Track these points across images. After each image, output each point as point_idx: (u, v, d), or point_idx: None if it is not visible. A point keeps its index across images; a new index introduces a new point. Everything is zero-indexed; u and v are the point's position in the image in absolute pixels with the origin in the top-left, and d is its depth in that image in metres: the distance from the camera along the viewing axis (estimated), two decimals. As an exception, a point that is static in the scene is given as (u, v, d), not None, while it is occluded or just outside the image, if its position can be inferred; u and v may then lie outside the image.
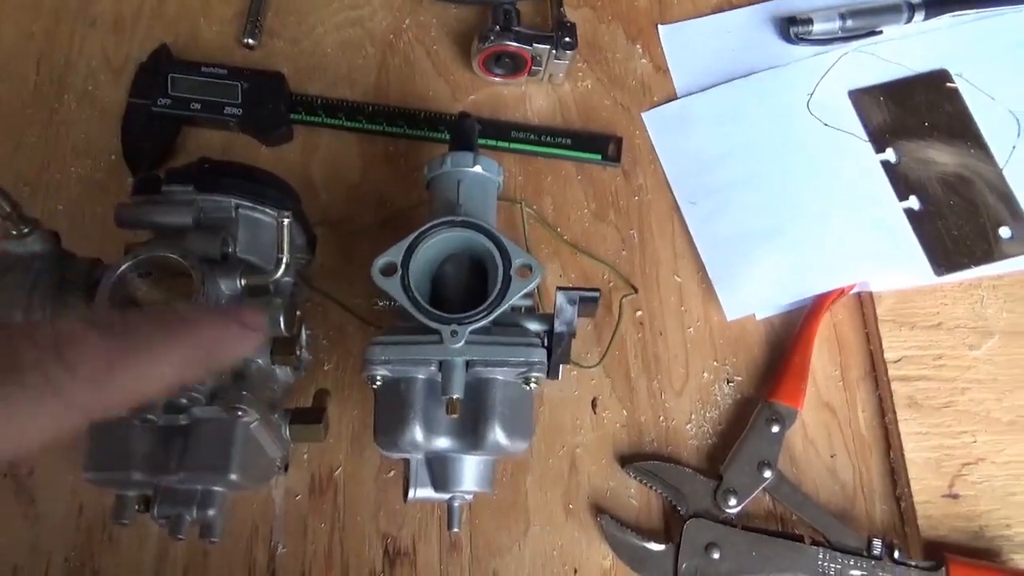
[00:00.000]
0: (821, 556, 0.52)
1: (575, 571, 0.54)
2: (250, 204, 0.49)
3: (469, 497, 0.49)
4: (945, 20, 0.67)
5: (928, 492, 0.54)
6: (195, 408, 0.44)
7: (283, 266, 0.46)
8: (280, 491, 0.54)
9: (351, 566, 0.53)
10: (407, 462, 0.48)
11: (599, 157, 0.64)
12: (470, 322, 0.45)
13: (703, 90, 0.66)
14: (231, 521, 0.53)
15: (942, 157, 0.63)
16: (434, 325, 0.45)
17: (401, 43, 0.67)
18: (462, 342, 0.44)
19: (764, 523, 0.55)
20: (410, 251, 0.46)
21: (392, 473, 0.55)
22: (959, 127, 0.64)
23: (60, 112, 0.63)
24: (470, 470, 0.47)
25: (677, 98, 0.66)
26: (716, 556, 0.52)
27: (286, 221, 0.45)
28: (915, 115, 0.64)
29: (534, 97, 0.66)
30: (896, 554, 0.51)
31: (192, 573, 0.52)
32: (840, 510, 0.55)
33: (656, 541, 0.53)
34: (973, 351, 0.58)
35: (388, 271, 0.46)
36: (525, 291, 0.46)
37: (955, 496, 0.54)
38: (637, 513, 0.55)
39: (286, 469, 0.53)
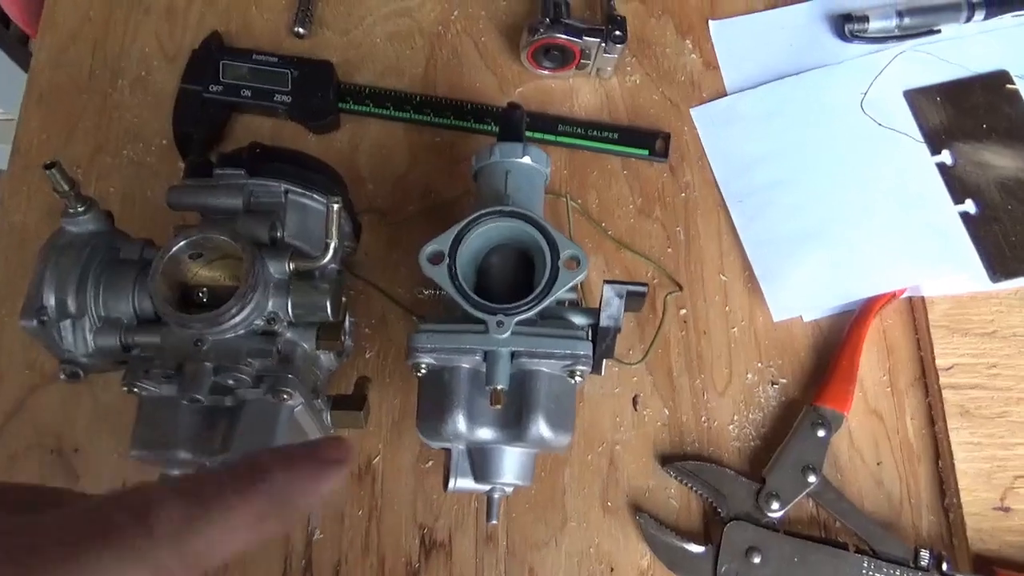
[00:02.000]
0: (866, 565, 0.51)
1: (611, 569, 0.53)
2: (300, 190, 0.49)
3: (509, 490, 0.48)
4: (1006, 20, 0.65)
5: (979, 504, 0.53)
6: (241, 390, 0.44)
7: (331, 251, 0.46)
8: (319, 477, 0.54)
9: (387, 555, 0.53)
10: (448, 452, 0.48)
11: (646, 153, 0.63)
12: (516, 313, 0.44)
13: (753, 87, 0.65)
14: (270, 505, 0.53)
15: (1001, 160, 0.61)
16: (480, 315, 0.44)
17: (449, 34, 0.67)
18: (508, 332, 0.44)
19: (807, 529, 0.54)
20: (458, 240, 0.46)
21: (430, 463, 0.55)
22: (1019, 130, 0.62)
23: (114, 97, 0.64)
24: (511, 462, 0.47)
25: (727, 95, 0.65)
26: (757, 560, 0.51)
27: (335, 206, 0.45)
28: (973, 117, 0.62)
29: (581, 91, 0.65)
30: (944, 566, 0.50)
31: (231, 555, 0.53)
32: (885, 519, 0.54)
33: (695, 542, 0.52)
34: (1030, 361, 0.56)
35: (435, 259, 0.46)
36: (573, 283, 0.46)
37: (1007, 509, 0.53)
38: (676, 513, 0.54)
39: (326, 455, 0.53)
